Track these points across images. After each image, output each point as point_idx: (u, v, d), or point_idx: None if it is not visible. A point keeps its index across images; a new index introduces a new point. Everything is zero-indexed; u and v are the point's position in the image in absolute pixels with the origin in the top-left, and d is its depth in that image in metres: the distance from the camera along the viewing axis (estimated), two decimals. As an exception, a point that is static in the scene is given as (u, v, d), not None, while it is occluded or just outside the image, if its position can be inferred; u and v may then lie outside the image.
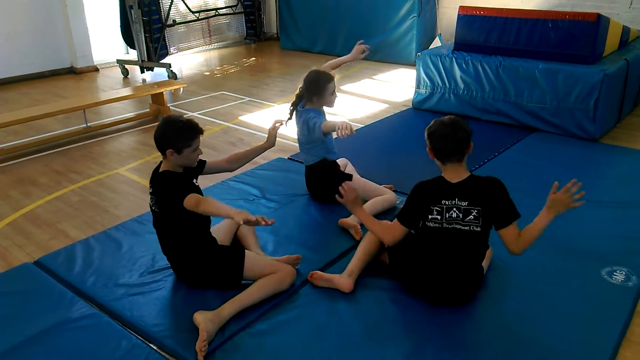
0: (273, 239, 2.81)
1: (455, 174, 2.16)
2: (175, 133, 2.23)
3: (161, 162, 2.36)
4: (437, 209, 2.13)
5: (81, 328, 2.18)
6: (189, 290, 2.40)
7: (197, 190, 2.27)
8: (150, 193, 2.35)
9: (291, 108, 3.15)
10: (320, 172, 3.15)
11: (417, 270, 2.27)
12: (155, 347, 2.09)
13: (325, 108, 3.15)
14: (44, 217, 3.30)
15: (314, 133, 2.98)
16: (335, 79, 3.08)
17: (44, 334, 2.14)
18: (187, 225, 2.29)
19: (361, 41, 3.37)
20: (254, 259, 2.38)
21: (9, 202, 3.50)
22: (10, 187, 3.73)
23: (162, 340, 2.11)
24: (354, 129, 2.65)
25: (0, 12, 6.53)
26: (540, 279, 2.47)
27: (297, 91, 3.11)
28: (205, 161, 2.54)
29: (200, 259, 2.34)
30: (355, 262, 2.43)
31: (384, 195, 3.05)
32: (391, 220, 2.32)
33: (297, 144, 3.28)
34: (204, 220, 2.35)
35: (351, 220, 2.84)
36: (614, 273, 2.48)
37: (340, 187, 2.33)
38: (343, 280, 2.36)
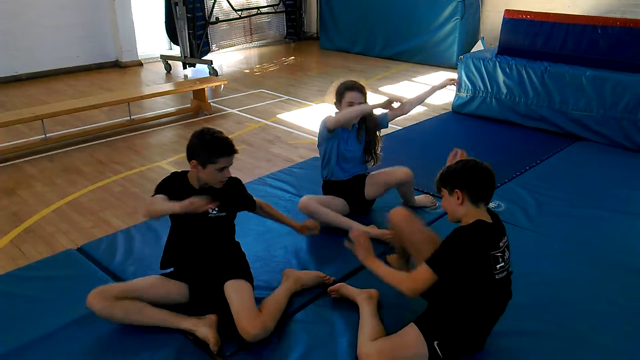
0: (301, 240, 2.80)
1: (484, 214, 1.88)
2: (203, 145, 2.12)
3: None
4: (499, 253, 1.81)
5: (120, 315, 2.23)
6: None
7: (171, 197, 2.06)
8: None
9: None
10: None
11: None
12: (190, 338, 2.12)
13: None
14: (87, 205, 3.40)
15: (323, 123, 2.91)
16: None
17: (85, 318, 2.19)
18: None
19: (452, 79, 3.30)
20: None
21: (55, 190, 3.62)
22: (56, 175, 3.86)
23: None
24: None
25: (50, 5, 6.77)
26: (582, 294, 2.39)
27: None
28: (253, 201, 2.44)
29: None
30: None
31: None
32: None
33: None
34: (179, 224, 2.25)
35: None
36: (660, 289, 2.39)
37: (350, 235, 2.07)
38: (364, 302, 2.18)
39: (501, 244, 1.84)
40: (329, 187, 3.03)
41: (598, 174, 3.70)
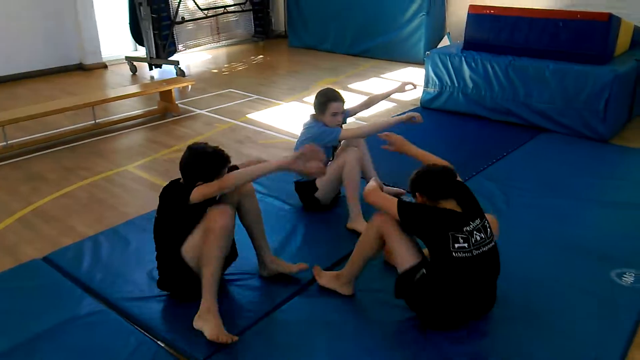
0: (291, 230, 2.83)
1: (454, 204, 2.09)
2: (206, 165, 2.17)
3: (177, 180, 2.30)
4: (462, 236, 2.00)
5: (89, 325, 2.19)
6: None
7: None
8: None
9: None
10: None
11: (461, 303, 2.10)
12: (162, 345, 2.09)
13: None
14: (52, 213, 3.31)
15: (327, 137, 2.96)
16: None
17: (52, 330, 2.15)
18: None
19: (409, 82, 3.49)
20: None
21: (19, 198, 3.52)
22: (20, 182, 3.75)
23: (170, 338, 2.12)
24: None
25: (11, 8, 6.57)
26: (549, 280, 2.46)
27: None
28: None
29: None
30: (352, 268, 2.32)
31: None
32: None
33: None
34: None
35: (359, 226, 2.83)
36: (624, 275, 2.47)
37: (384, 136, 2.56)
38: (344, 288, 2.35)
39: (466, 229, 2.01)
40: (302, 188, 3.05)
41: (562, 164, 3.79)
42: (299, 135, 3.05)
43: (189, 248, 2.21)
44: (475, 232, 2.02)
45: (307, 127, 2.99)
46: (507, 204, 3.16)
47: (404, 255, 2.13)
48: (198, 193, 2.11)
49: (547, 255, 2.66)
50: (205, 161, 2.18)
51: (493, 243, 2.09)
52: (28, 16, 6.75)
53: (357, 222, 2.85)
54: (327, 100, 2.93)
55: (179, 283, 2.29)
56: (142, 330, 2.17)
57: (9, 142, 4.35)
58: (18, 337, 2.12)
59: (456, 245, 1.99)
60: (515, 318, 2.22)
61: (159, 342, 2.11)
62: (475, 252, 2.01)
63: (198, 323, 2.12)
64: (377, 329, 2.17)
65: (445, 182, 2.11)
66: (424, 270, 2.09)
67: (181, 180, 2.26)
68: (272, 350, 2.06)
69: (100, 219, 3.21)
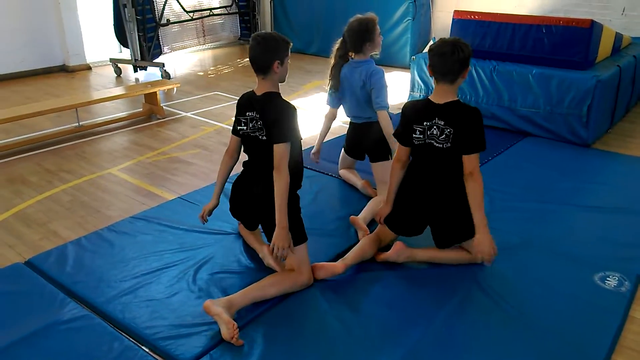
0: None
1: (443, 95, 2.37)
2: (278, 42, 2.31)
3: (250, 91, 2.45)
4: (420, 128, 2.39)
5: (72, 329, 2.15)
6: (181, 293, 2.38)
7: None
8: (250, 119, 2.42)
9: (335, 67, 3.12)
10: (372, 132, 3.14)
11: (409, 191, 2.54)
12: (147, 350, 2.07)
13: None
14: (34, 216, 3.26)
15: (380, 96, 3.00)
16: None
17: (35, 335, 2.11)
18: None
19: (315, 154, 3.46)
20: (304, 246, 2.42)
21: (0, 201, 3.46)
22: (1, 185, 3.69)
23: (155, 343, 2.09)
24: None
25: (-8, 8, 6.48)
26: (533, 284, 2.48)
27: (338, 46, 3.11)
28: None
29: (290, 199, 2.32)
30: (352, 254, 2.53)
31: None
32: None
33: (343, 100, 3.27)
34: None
35: (362, 221, 2.85)
36: (607, 278, 2.50)
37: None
38: (336, 263, 2.47)
39: (427, 122, 2.37)
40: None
41: (547, 168, 3.83)
42: (354, 87, 3.06)
43: None
44: (434, 127, 2.36)
45: (374, 73, 3.00)
46: (491, 207, 3.18)
47: None
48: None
49: (530, 258, 2.68)
50: (277, 38, 2.33)
51: (444, 147, 2.35)
52: (10, 17, 6.66)
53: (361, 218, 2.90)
54: (373, 23, 3.01)
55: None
56: (126, 335, 2.14)
57: (-10, 144, 4.28)
58: (0, 342, 2.08)
59: (414, 135, 2.42)
60: (498, 320, 2.23)
61: (143, 348, 2.08)
62: (427, 141, 2.39)
63: (215, 309, 2.11)
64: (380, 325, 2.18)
65: (447, 61, 2.31)
66: None
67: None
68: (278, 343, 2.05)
69: (83, 222, 3.17)
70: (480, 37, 4.72)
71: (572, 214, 3.17)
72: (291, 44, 2.39)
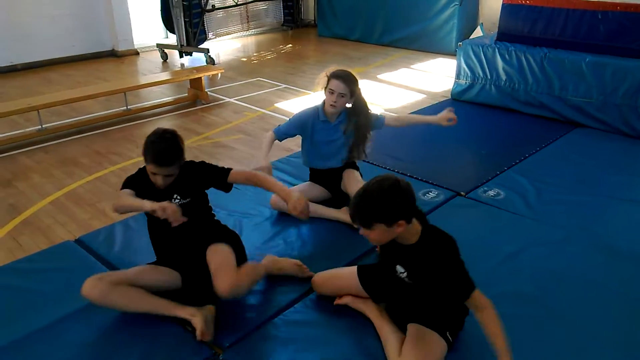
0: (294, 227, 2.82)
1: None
2: (144, 145, 2.15)
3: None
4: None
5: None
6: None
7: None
8: None
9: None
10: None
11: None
12: (189, 329, 2.12)
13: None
14: (84, 196, 3.38)
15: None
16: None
17: (85, 310, 2.19)
18: None
19: (451, 108, 3.03)
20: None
21: (52, 181, 3.60)
22: (53, 166, 3.84)
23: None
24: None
25: (45, -5, 6.70)
26: (578, 279, 2.39)
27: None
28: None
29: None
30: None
31: None
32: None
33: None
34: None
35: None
36: (660, 276, 2.39)
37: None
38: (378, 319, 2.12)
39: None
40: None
41: (597, 160, 3.68)
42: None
43: None
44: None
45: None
46: (538, 200, 3.09)
47: None
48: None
49: (576, 253, 2.58)
50: (145, 142, 2.14)
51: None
52: (62, 3, 6.87)
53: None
54: (332, 76, 2.76)
55: None
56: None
57: (43, 126, 4.45)
58: (51, 317, 2.17)
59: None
60: (541, 317, 2.16)
61: (186, 327, 2.13)
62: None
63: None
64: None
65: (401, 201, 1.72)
66: None
67: None
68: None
69: (130, 203, 3.26)
70: (531, 22, 4.56)
71: (622, 208, 3.03)
72: (149, 163, 2.10)
